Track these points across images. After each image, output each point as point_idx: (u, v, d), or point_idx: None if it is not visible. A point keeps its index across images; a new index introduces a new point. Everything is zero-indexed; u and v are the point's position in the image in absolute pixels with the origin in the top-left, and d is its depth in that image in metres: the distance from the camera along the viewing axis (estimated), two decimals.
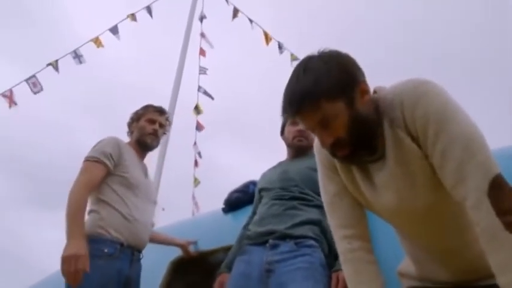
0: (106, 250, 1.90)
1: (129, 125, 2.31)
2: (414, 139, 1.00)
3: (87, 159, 2.02)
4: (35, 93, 5.25)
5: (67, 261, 1.71)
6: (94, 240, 1.89)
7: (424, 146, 0.99)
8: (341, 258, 1.17)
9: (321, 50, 1.06)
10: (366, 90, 1.04)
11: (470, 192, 0.90)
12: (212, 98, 6.79)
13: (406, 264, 1.27)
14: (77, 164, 2.08)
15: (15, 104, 5.23)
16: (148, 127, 2.23)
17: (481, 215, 0.89)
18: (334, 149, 1.04)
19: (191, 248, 2.43)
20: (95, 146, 2.09)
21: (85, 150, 2.09)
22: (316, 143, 1.20)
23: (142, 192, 2.11)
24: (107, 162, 2.01)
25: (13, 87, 5.25)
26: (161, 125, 2.28)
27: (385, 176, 1.05)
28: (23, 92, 5.31)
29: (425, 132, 0.97)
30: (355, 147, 1.03)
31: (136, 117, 2.29)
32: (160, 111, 2.30)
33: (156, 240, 2.40)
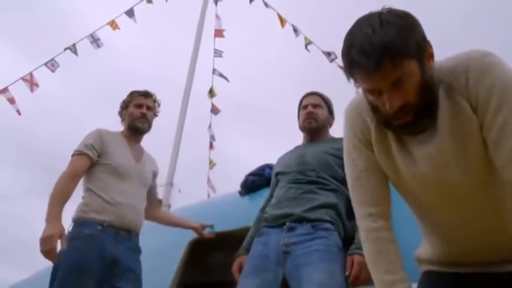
0: (85, 231, 2.02)
1: (120, 114, 2.39)
2: (473, 109, 0.95)
3: (73, 154, 2.17)
4: (52, 71, 5.39)
5: (42, 242, 1.88)
6: (76, 224, 2.08)
7: (481, 117, 0.94)
8: (363, 235, 1.13)
9: (385, 7, 0.98)
10: (432, 54, 0.99)
11: None
12: (227, 80, 6.80)
13: (425, 248, 1.24)
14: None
15: (37, 85, 5.34)
16: (136, 111, 2.31)
17: None
18: (399, 113, 0.97)
19: (206, 231, 2.46)
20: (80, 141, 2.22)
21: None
22: (350, 111, 1.15)
23: (132, 176, 2.19)
24: (89, 153, 2.15)
25: (33, 71, 5.34)
26: (149, 108, 2.34)
27: (430, 148, 1.00)
28: (42, 77, 5.42)
29: (487, 102, 0.93)
30: (418, 114, 0.98)
31: (124, 105, 2.37)
32: (146, 94, 2.37)
33: (170, 222, 2.49)
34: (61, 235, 1.91)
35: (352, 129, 1.14)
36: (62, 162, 2.18)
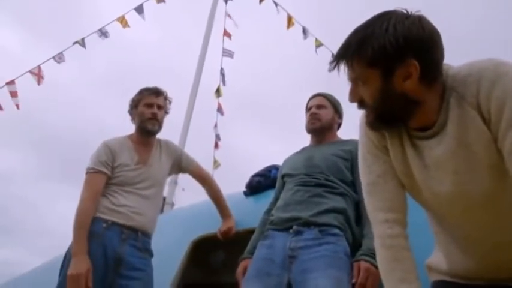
0: (90, 229, 2.01)
1: (130, 112, 2.34)
2: (484, 120, 0.95)
3: (88, 171, 2.16)
4: (58, 62, 5.42)
5: (71, 279, 1.89)
6: None
7: (495, 127, 0.93)
8: (378, 242, 1.12)
9: (411, 11, 0.99)
10: (409, 74, 0.97)
11: None
12: (224, 84, 6.80)
13: (437, 258, 1.23)
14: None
15: (43, 78, 5.34)
16: (147, 112, 2.25)
17: None
18: (363, 109, 1.05)
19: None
20: (91, 156, 2.21)
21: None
22: (362, 117, 1.16)
23: (140, 183, 2.17)
24: (105, 170, 2.15)
25: (41, 64, 5.34)
26: (160, 107, 2.28)
27: (440, 154, 1.00)
28: (49, 69, 5.44)
29: (500, 113, 0.92)
30: (377, 117, 1.03)
31: (134, 104, 2.31)
32: (156, 92, 2.30)
33: (215, 203, 2.44)
34: (88, 272, 1.91)
35: (367, 135, 1.14)
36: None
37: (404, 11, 1.00)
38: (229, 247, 2.44)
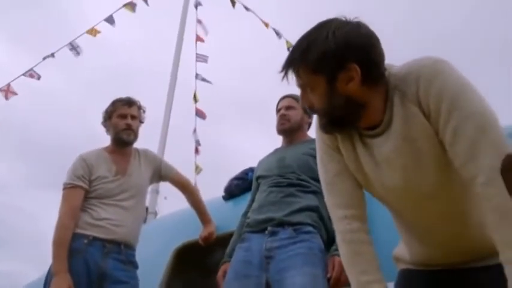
0: (71, 245, 2.01)
1: (104, 124, 2.33)
2: (426, 115, 1.00)
3: (65, 187, 2.15)
4: (38, 79, 5.37)
5: None
6: None
7: (435, 123, 0.99)
8: (339, 238, 1.16)
9: (350, 18, 1.05)
10: (351, 77, 1.02)
11: (482, 169, 0.90)
12: (210, 83, 6.78)
13: (402, 249, 1.27)
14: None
15: (15, 94, 5.29)
16: (121, 123, 2.25)
17: (493, 191, 0.89)
18: (312, 112, 1.11)
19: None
20: (68, 171, 2.20)
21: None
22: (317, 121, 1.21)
23: (119, 194, 2.17)
24: (82, 184, 2.14)
25: (11, 81, 5.27)
26: (133, 117, 2.28)
27: (388, 151, 1.05)
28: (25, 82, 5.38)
29: (438, 108, 0.97)
30: (328, 120, 1.08)
31: (107, 116, 2.31)
32: (129, 103, 2.30)
33: (196, 211, 2.45)
34: None
35: (321, 136, 1.19)
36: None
37: (344, 19, 1.05)
38: (211, 251, 2.46)
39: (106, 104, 2.36)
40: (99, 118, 2.34)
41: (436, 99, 0.97)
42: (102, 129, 2.34)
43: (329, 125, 1.09)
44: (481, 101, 0.96)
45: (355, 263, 1.12)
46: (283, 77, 1.07)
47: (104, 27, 5.95)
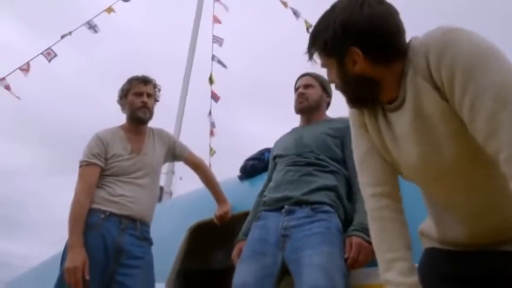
0: (88, 220, 2.03)
1: (119, 102, 2.34)
2: (439, 90, 0.95)
3: (81, 164, 2.16)
4: (49, 60, 5.41)
5: (67, 272, 1.91)
6: None
7: (451, 98, 0.93)
8: (368, 215, 1.17)
9: None
10: (355, 61, 1.03)
11: (504, 146, 0.84)
12: (225, 67, 6.74)
13: (428, 225, 1.24)
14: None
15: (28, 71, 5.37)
16: (137, 101, 2.26)
17: None
18: (336, 89, 1.13)
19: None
20: (84, 149, 2.21)
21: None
22: None
23: (135, 172, 2.18)
24: (98, 162, 2.15)
25: (31, 60, 5.33)
26: (149, 95, 2.29)
27: (404, 126, 1.03)
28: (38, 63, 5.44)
29: (452, 82, 0.91)
30: (348, 98, 1.12)
31: (123, 94, 2.32)
32: (145, 81, 2.30)
33: (210, 189, 2.45)
34: (84, 264, 1.92)
35: (352, 118, 1.21)
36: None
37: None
38: (226, 232, 2.45)
39: (114, 89, 2.36)
40: (105, 105, 2.35)
41: (448, 72, 0.91)
42: (108, 116, 2.34)
43: (350, 101, 1.13)
44: (502, 70, 0.87)
45: (381, 240, 1.12)
46: (309, 58, 1.12)
47: (118, 6, 5.95)
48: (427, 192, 1.17)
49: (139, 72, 2.35)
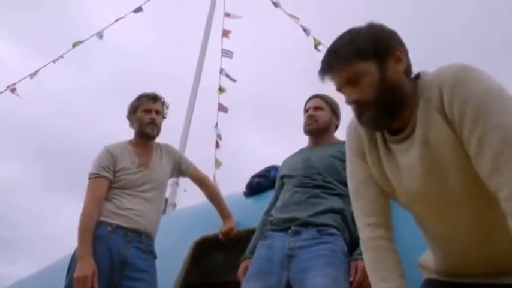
0: (95, 232, 2.06)
1: (128, 118, 2.40)
2: (450, 123, 0.98)
3: (90, 177, 2.21)
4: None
5: (77, 281, 1.95)
6: None
7: (460, 132, 0.96)
8: (362, 245, 1.18)
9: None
10: (399, 58, 1.06)
11: (505, 184, 0.88)
12: (234, 81, 6.79)
13: (428, 257, 1.26)
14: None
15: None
16: (146, 117, 2.32)
17: None
18: (359, 108, 1.07)
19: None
20: (93, 161, 2.26)
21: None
22: (347, 127, 1.23)
23: (142, 186, 2.23)
24: (107, 174, 2.21)
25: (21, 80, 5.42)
26: (158, 112, 2.36)
27: (411, 157, 1.04)
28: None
29: (462, 118, 0.95)
30: (379, 110, 1.05)
31: (132, 110, 2.38)
32: (154, 98, 2.37)
33: (215, 205, 2.47)
34: (94, 274, 1.96)
35: (349, 144, 1.22)
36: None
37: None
38: (230, 247, 2.47)
39: (123, 107, 2.41)
40: (113, 120, 2.39)
41: (460, 107, 0.95)
42: (117, 131, 2.39)
43: (377, 115, 1.06)
44: (509, 112, 0.92)
45: (376, 269, 1.13)
46: (323, 77, 1.10)
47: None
48: (427, 223, 1.17)
49: (134, 88, 2.41)
